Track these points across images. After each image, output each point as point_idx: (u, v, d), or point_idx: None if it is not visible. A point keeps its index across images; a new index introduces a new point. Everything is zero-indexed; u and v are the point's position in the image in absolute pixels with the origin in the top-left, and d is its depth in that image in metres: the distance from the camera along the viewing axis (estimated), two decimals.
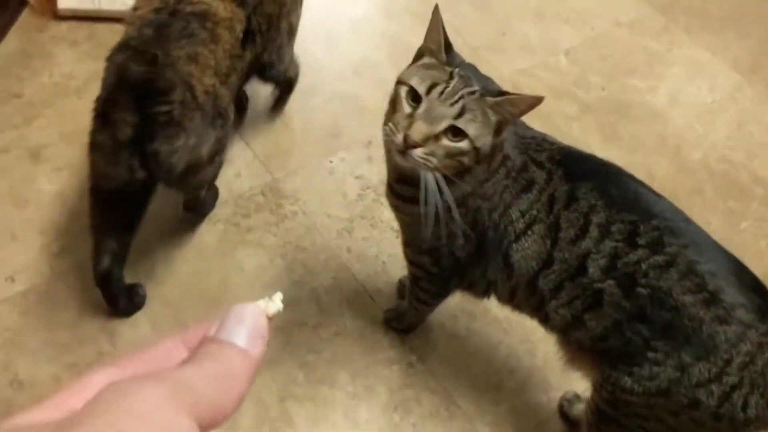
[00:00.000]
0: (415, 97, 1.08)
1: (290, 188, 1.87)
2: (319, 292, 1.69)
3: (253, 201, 1.83)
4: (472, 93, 1.08)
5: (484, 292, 1.35)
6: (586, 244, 1.15)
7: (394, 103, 1.12)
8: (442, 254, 1.30)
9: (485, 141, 1.10)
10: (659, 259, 1.11)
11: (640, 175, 2.17)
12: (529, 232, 1.20)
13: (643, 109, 2.30)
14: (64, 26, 2.11)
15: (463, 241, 1.25)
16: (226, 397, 0.33)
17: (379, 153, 2.02)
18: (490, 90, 1.12)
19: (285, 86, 1.98)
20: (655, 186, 2.17)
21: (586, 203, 1.16)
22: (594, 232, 1.15)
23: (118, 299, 1.55)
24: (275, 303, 0.41)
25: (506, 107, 1.09)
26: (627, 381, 1.18)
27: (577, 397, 1.59)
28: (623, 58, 2.46)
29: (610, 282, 1.14)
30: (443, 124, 1.06)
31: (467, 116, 1.07)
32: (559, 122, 2.19)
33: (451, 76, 1.08)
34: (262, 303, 0.40)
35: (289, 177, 1.90)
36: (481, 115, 1.08)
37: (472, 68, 1.16)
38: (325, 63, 2.21)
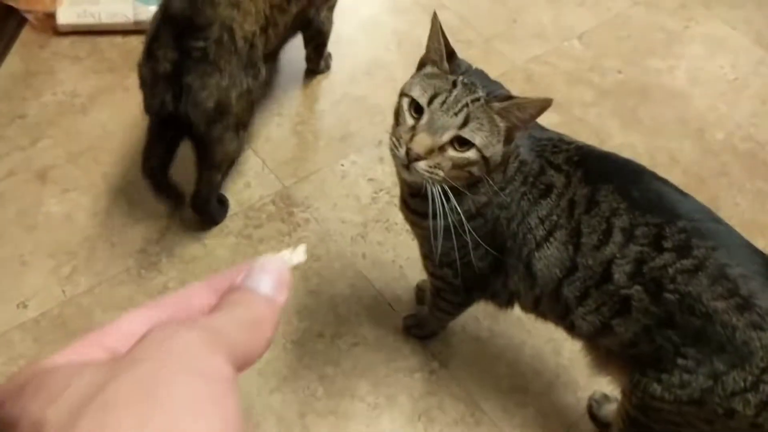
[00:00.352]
0: (417, 109, 1.04)
1: (301, 195, 1.83)
2: (337, 301, 1.66)
3: (264, 211, 1.79)
4: (476, 100, 1.03)
5: (507, 302, 1.31)
6: (610, 249, 1.09)
7: (397, 115, 1.08)
8: (464, 266, 1.25)
9: (495, 150, 1.05)
10: (687, 263, 1.05)
11: (662, 159, 2.14)
12: (551, 239, 1.14)
13: (662, 91, 2.22)
14: (65, 42, 2.09)
15: (483, 251, 1.20)
16: (254, 341, 0.35)
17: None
18: (496, 95, 1.06)
19: (321, 40, 2.00)
20: (679, 170, 2.14)
21: (608, 206, 1.10)
22: (617, 236, 1.09)
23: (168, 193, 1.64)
24: (298, 254, 0.43)
25: (514, 112, 1.03)
26: (657, 388, 1.12)
27: (606, 397, 1.54)
28: (639, 39, 2.38)
29: (637, 288, 1.09)
30: (447, 135, 1.02)
31: (472, 125, 1.02)
32: (576, 110, 2.12)
33: (453, 85, 1.03)
34: (285, 253, 0.42)
35: (300, 184, 1.86)
36: (488, 123, 1.03)
37: (480, 74, 1.10)
38: (334, 65, 2.16)
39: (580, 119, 2.09)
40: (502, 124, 1.04)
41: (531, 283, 1.20)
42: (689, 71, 2.29)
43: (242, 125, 1.61)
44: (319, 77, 2.12)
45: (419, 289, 1.66)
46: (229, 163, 1.67)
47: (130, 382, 0.29)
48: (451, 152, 1.03)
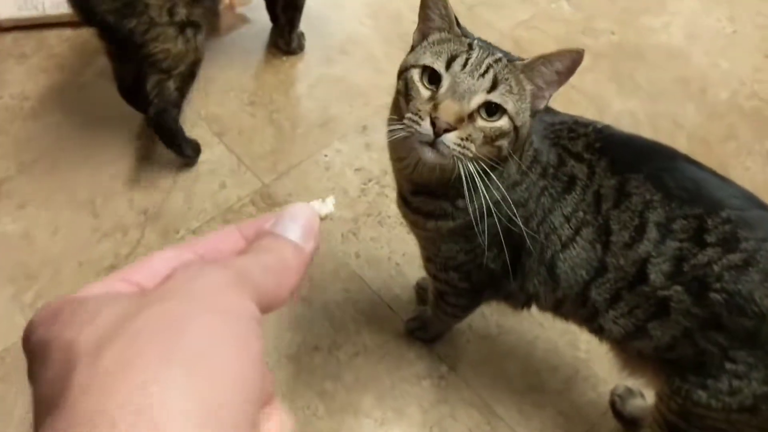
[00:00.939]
0: (432, 79, 0.89)
1: (283, 192, 1.68)
2: (331, 308, 1.51)
3: (244, 213, 1.63)
4: (499, 60, 0.89)
5: (523, 304, 1.18)
6: (644, 247, 0.96)
7: (402, 94, 0.92)
8: (473, 268, 1.12)
9: (524, 118, 0.91)
10: (734, 258, 0.92)
11: (665, 125, 2.02)
12: (577, 239, 1.01)
13: (659, 51, 2.08)
14: (7, 39, 1.89)
15: (496, 252, 1.07)
16: (280, 286, 0.35)
17: (378, 138, 1.83)
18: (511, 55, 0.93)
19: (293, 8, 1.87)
20: (683, 136, 2.02)
21: (640, 199, 0.97)
22: (652, 232, 0.96)
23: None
24: (327, 205, 0.44)
25: (540, 69, 0.90)
26: (701, 395, 1.01)
27: (630, 391, 1.43)
28: None
29: (677, 288, 0.96)
30: (476, 100, 0.87)
31: (502, 88, 0.88)
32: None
33: (470, 47, 0.89)
34: (315, 204, 0.43)
35: (281, 180, 1.70)
36: (516, 86, 0.89)
37: (487, 43, 0.96)
38: (306, 45, 1.98)
39: (575, 87, 1.94)
40: (528, 87, 0.91)
41: (553, 286, 1.07)
42: (685, 27, 2.16)
43: (189, 24, 1.51)
44: (292, 59, 1.95)
45: (419, 288, 1.52)
46: (181, 69, 1.54)
47: (156, 316, 0.30)
48: (481, 122, 0.88)
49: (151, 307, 0.30)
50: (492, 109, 0.88)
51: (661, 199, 0.96)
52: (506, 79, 0.88)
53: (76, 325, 0.30)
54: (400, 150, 0.98)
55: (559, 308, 1.13)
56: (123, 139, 1.72)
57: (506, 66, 0.89)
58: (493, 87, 0.87)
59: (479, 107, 0.87)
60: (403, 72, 0.93)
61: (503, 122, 0.88)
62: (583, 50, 0.88)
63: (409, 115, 0.88)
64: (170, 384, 0.27)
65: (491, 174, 0.91)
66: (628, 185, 0.97)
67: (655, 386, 1.13)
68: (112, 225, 1.58)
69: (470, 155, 0.87)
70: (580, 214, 1.00)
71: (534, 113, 0.93)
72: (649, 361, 1.10)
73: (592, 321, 1.08)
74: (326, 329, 1.49)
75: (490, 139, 0.89)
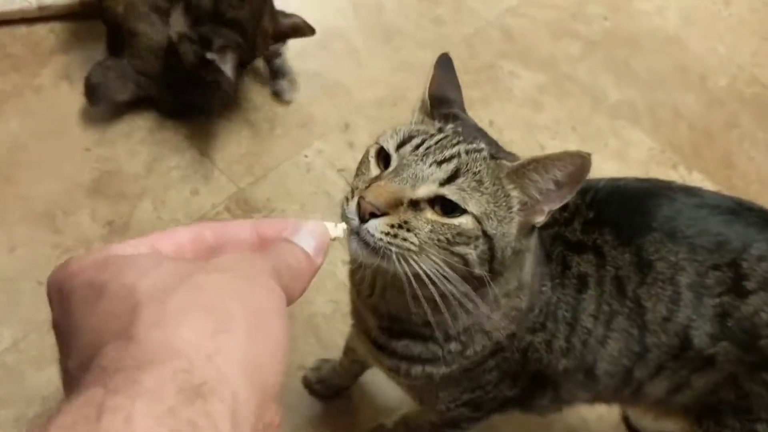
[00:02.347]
0: (386, 160, 0.73)
1: (261, 197, 1.55)
2: (317, 321, 1.39)
3: (219, 220, 1.50)
4: (475, 151, 0.72)
5: (556, 410, 1.05)
6: (683, 314, 0.85)
7: (359, 170, 0.76)
8: (486, 401, 0.97)
9: (503, 229, 0.71)
10: None
11: (665, 116, 1.91)
12: (611, 333, 0.88)
13: (655, 37, 1.99)
14: None
15: (510, 382, 0.94)
16: (294, 288, 0.40)
17: (361, 136, 1.71)
18: (507, 155, 0.76)
19: None
20: (685, 126, 1.91)
21: (665, 264, 0.84)
22: (687, 296, 0.84)
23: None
24: (338, 230, 0.53)
25: (533, 177, 0.71)
26: None
27: None
28: None
29: (724, 344, 0.86)
30: (424, 190, 0.68)
31: (463, 182, 0.69)
32: (564, 66, 1.87)
33: (440, 131, 0.74)
34: (330, 225, 0.49)
35: (258, 183, 1.57)
36: (492, 185, 0.71)
37: (484, 133, 0.80)
38: None
39: (569, 77, 1.84)
40: (514, 194, 0.72)
41: (592, 386, 0.95)
42: (680, 11, 2.06)
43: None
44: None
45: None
46: None
47: (217, 280, 0.34)
48: (430, 214, 0.69)
49: (210, 273, 0.35)
50: (448, 206, 0.69)
51: (686, 256, 0.84)
52: (475, 174, 0.69)
53: (132, 274, 0.34)
54: (349, 250, 0.73)
55: (596, 400, 1.03)
56: (84, 145, 1.58)
57: (484, 160, 0.71)
58: (451, 179, 0.68)
59: (432, 200, 0.69)
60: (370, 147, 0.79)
61: (463, 221, 0.69)
62: (589, 155, 0.68)
63: (345, 197, 0.71)
64: (235, 337, 0.32)
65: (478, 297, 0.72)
66: (645, 253, 0.85)
67: (683, 426, 1.03)
68: (74, 240, 1.44)
69: (414, 248, 0.67)
70: (606, 307, 0.87)
71: (529, 230, 0.76)
72: (680, 407, 0.99)
73: (632, 396, 0.97)
74: (312, 346, 1.37)
75: (447, 241, 0.68)
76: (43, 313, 1.24)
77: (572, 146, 1.68)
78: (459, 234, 0.68)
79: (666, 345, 0.87)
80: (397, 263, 0.67)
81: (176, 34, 1.47)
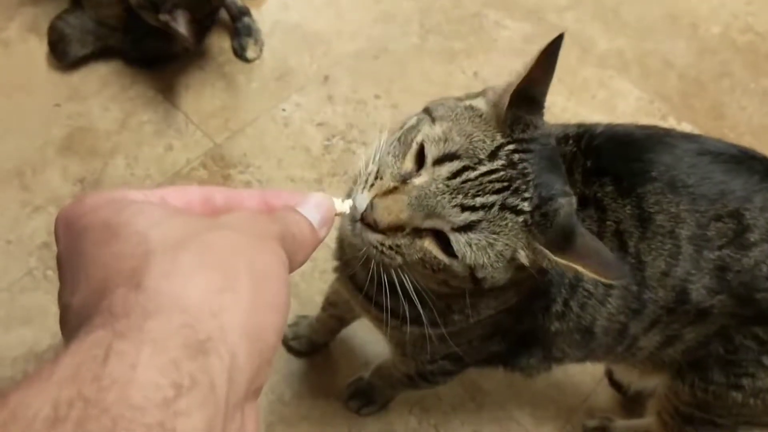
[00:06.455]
0: (423, 158, 0.67)
1: (238, 152, 1.51)
2: (295, 279, 1.36)
3: (194, 177, 1.46)
4: (513, 211, 0.65)
5: (545, 369, 1.01)
6: (682, 269, 0.80)
7: (396, 136, 0.70)
8: (468, 354, 0.94)
9: (494, 274, 0.68)
10: None
11: (655, 65, 1.85)
12: (611, 291, 0.84)
13: None
14: None
15: (500, 337, 0.91)
16: (296, 256, 0.40)
17: (341, 89, 1.66)
18: (547, 214, 0.65)
19: None
20: (675, 75, 1.86)
21: (665, 217, 0.79)
22: (687, 249, 0.79)
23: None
24: (345, 206, 0.52)
25: (544, 252, 0.65)
26: (736, 396, 0.90)
27: None
28: None
29: (720, 297, 0.82)
30: (429, 224, 0.65)
31: (474, 237, 0.64)
32: (551, 15, 1.81)
33: (493, 156, 0.65)
34: (336, 200, 0.49)
35: (235, 138, 1.53)
36: (504, 245, 0.65)
37: (552, 158, 0.70)
38: None
39: (556, 26, 1.78)
40: (522, 254, 0.67)
41: (586, 343, 0.91)
42: None
43: None
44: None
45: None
46: None
47: (224, 235, 0.34)
48: (427, 243, 0.66)
49: (220, 229, 0.35)
50: (447, 244, 0.65)
51: (687, 207, 0.79)
52: (492, 234, 0.64)
53: (146, 221, 0.34)
54: (342, 222, 0.74)
55: (587, 358, 1.00)
56: (54, 100, 1.52)
57: (512, 227, 0.65)
58: (464, 229, 0.64)
59: (431, 230, 0.66)
60: (422, 111, 0.72)
61: (455, 263, 0.66)
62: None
63: (371, 166, 0.68)
64: (239, 297, 0.32)
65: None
66: (645, 204, 0.79)
67: (663, 382, 1.01)
68: (44, 198, 1.40)
69: (395, 263, 0.67)
70: None
71: (541, 274, 0.72)
72: (666, 362, 0.96)
73: (624, 352, 0.94)
74: (294, 307, 1.34)
75: (431, 269, 0.67)
76: (13, 273, 1.21)
77: (560, 98, 1.63)
78: (446, 269, 0.67)
79: (663, 300, 0.83)
80: (376, 266, 0.69)
81: (135, 2, 1.41)
